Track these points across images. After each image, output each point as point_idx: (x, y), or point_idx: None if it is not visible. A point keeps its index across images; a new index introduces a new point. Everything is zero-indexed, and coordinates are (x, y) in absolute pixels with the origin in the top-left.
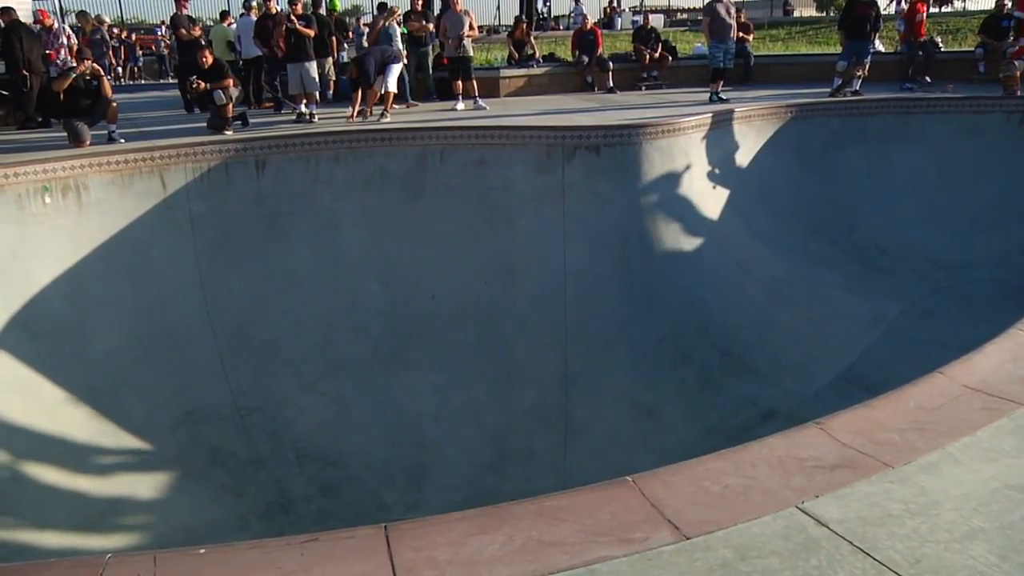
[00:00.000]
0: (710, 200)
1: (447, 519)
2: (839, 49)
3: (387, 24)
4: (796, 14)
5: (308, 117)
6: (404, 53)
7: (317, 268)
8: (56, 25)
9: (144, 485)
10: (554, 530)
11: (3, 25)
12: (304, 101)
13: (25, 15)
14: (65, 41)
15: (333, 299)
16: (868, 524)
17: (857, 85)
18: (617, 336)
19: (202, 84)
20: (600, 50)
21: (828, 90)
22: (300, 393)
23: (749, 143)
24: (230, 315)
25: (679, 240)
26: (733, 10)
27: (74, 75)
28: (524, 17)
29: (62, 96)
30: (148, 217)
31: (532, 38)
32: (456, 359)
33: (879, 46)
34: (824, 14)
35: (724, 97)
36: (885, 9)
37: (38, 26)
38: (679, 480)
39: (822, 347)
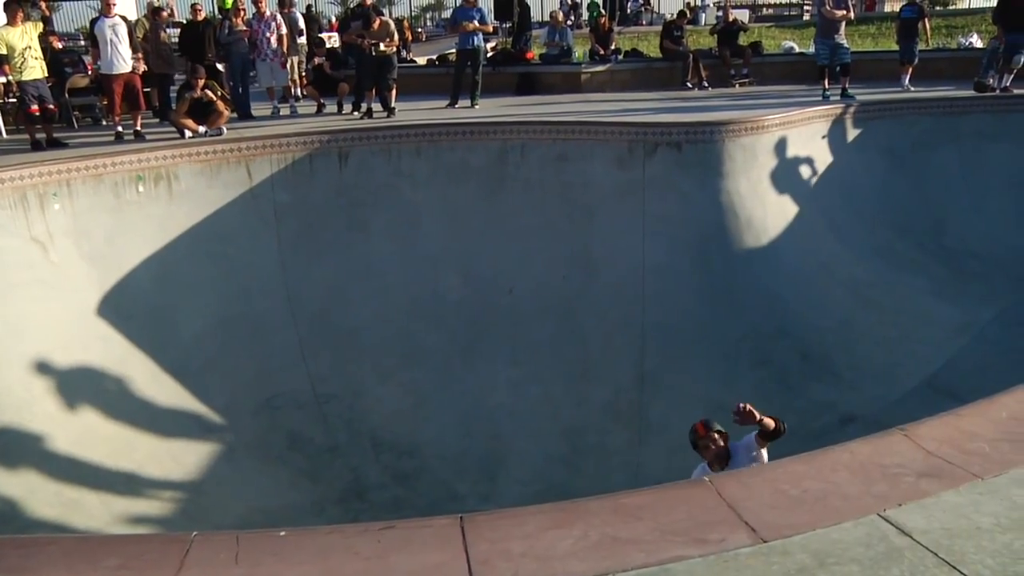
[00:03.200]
0: (792, 199)
1: (522, 512)
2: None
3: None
4: (887, 9)
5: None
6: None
7: (397, 259)
8: (268, 12)
9: (225, 467)
10: (629, 527)
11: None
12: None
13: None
14: (276, 30)
15: (412, 290)
16: (955, 536)
17: (1008, 81)
18: (695, 334)
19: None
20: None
21: (904, 89)
22: (378, 382)
23: (834, 142)
24: (311, 303)
25: (760, 239)
26: (843, 4)
27: (189, 98)
28: (607, 12)
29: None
30: (234, 206)
31: (615, 33)
32: (533, 353)
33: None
34: None
35: (830, 95)
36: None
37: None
38: (757, 482)
39: (907, 352)
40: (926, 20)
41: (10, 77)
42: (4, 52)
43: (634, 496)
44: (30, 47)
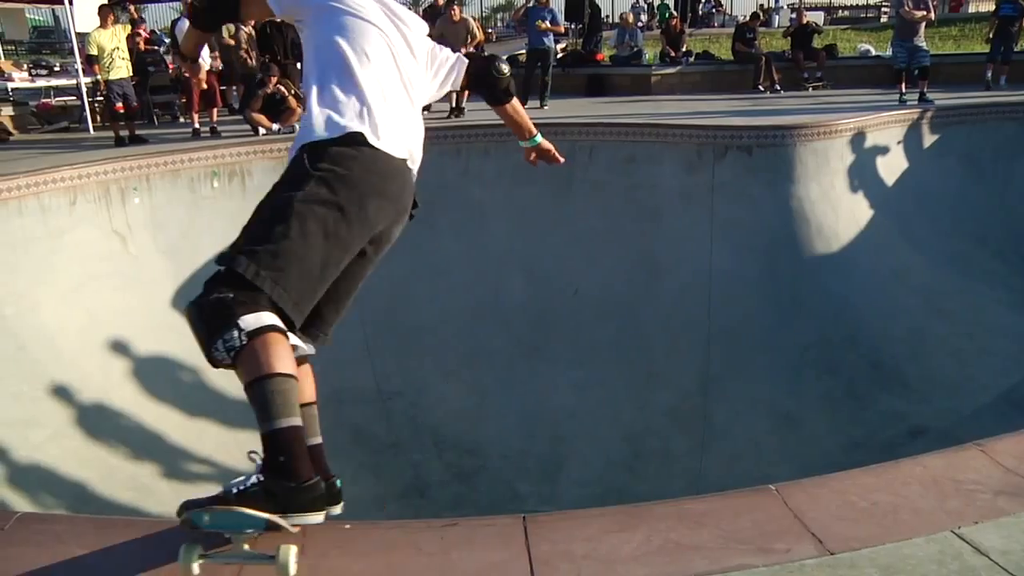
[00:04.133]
0: (865, 205)
1: (585, 514)
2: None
3: None
4: (971, 9)
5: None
6: None
7: (463, 259)
8: None
9: None
10: (693, 534)
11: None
12: None
13: None
14: None
15: (477, 290)
16: None
17: None
18: (761, 341)
19: None
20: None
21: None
22: (441, 380)
23: (910, 147)
24: (377, 300)
25: (830, 245)
26: (924, 4)
27: (262, 94)
28: (678, 13)
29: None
30: None
31: (686, 35)
32: (596, 355)
33: None
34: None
35: (907, 99)
36: None
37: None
38: (824, 492)
39: (982, 365)
40: None
41: (98, 76)
42: (95, 53)
43: (698, 502)
44: (118, 48)
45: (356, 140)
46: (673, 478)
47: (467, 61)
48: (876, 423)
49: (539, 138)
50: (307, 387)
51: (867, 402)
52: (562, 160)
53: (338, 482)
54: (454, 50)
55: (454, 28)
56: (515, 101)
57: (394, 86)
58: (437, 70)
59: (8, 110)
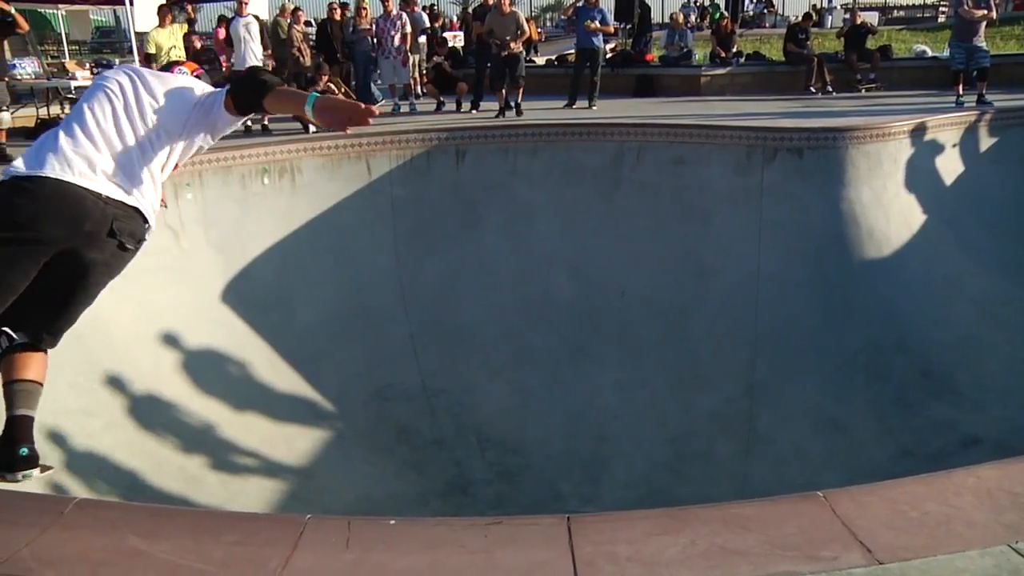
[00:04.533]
0: (918, 209)
1: (629, 516)
2: None
3: None
4: None
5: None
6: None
7: (509, 258)
8: (394, 11)
9: (335, 454)
10: (738, 538)
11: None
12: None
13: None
14: (400, 28)
15: (523, 289)
16: None
17: None
18: (809, 346)
19: None
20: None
21: None
22: (486, 379)
23: (967, 150)
24: (423, 299)
25: (881, 250)
26: (984, 3)
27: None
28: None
29: None
30: (353, 200)
31: (737, 36)
32: (641, 357)
33: None
34: None
35: (964, 101)
36: None
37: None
38: (873, 501)
39: None
40: None
41: None
42: (152, 51)
43: (744, 507)
44: (175, 47)
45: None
46: (717, 482)
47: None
48: (926, 431)
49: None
50: (22, 367)
51: (917, 410)
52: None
53: (23, 450)
54: (503, 43)
55: (503, 21)
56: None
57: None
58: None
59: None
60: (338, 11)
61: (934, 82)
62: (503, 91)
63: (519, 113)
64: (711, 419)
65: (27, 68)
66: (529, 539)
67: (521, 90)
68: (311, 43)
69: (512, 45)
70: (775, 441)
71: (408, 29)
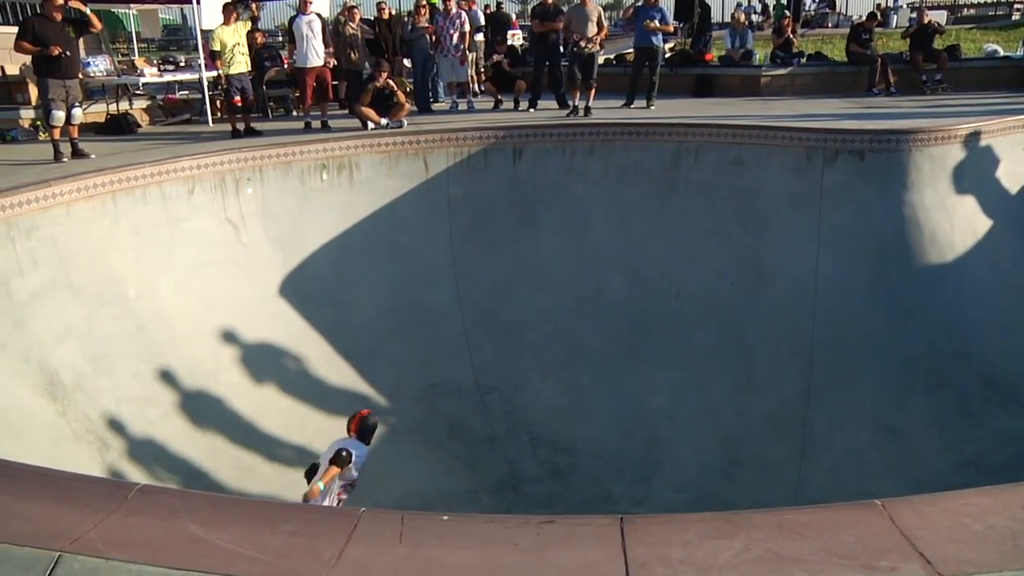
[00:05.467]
0: (983, 215)
1: (683, 519)
2: None
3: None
4: None
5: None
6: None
7: (564, 257)
8: (454, 10)
9: (387, 448)
10: (793, 545)
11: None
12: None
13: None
14: (459, 27)
15: (577, 289)
16: None
17: None
18: (867, 351)
19: None
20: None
21: None
22: (539, 378)
23: None
24: (478, 296)
25: (944, 255)
26: None
27: (372, 88)
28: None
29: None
30: (410, 197)
31: (798, 36)
32: (695, 358)
33: None
34: None
35: None
36: None
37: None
38: (935, 512)
39: None
40: None
41: (220, 71)
42: (217, 48)
43: (800, 513)
44: (239, 44)
45: None
46: (770, 487)
47: None
48: (990, 442)
49: None
50: None
51: (980, 419)
52: None
53: None
54: (582, 36)
55: (584, 13)
56: None
57: None
58: None
59: (140, 103)
60: (385, 10)
61: (1004, 83)
62: (577, 89)
63: (587, 115)
64: (765, 424)
65: (100, 65)
66: (582, 539)
67: (593, 92)
68: (368, 39)
69: (590, 45)
70: (831, 448)
71: (467, 28)
